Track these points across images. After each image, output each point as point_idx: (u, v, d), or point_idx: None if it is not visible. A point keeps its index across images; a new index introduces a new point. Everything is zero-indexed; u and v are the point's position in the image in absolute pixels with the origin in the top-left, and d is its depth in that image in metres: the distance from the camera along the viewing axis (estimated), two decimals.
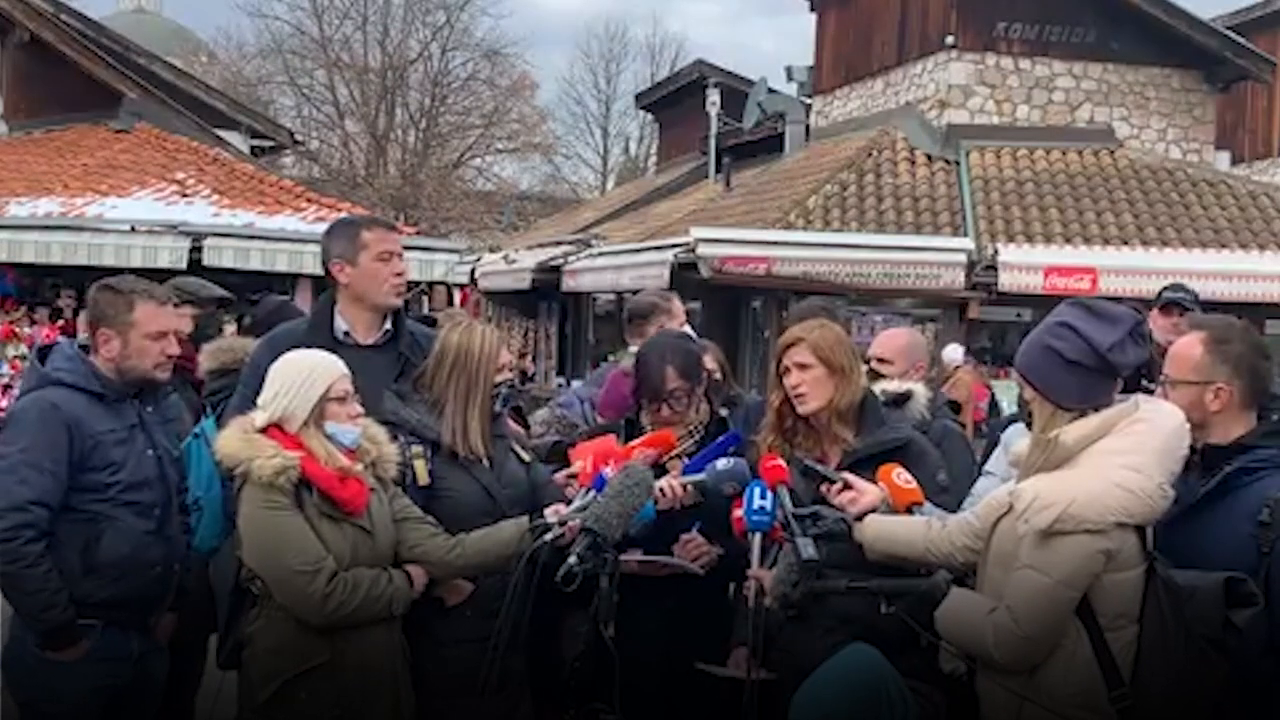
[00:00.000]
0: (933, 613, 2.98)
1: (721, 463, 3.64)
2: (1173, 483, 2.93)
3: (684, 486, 3.67)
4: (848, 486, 3.40)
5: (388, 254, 4.08)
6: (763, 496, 3.36)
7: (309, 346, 3.81)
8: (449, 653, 3.68)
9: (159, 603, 3.95)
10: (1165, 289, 5.88)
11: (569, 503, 3.63)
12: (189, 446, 4.70)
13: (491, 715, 3.64)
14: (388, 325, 4.14)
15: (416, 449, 3.71)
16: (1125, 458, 2.86)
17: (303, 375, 3.52)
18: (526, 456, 3.98)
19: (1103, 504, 2.81)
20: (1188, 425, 2.99)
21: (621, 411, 4.37)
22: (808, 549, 3.09)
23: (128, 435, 3.88)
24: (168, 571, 3.92)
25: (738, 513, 3.46)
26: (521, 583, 3.31)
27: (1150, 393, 3.37)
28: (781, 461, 3.43)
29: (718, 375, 4.64)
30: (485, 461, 3.81)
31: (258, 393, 3.69)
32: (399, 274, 4.10)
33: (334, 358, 3.62)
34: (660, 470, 3.76)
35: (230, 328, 5.62)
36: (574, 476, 3.81)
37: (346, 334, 4.07)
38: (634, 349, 5.15)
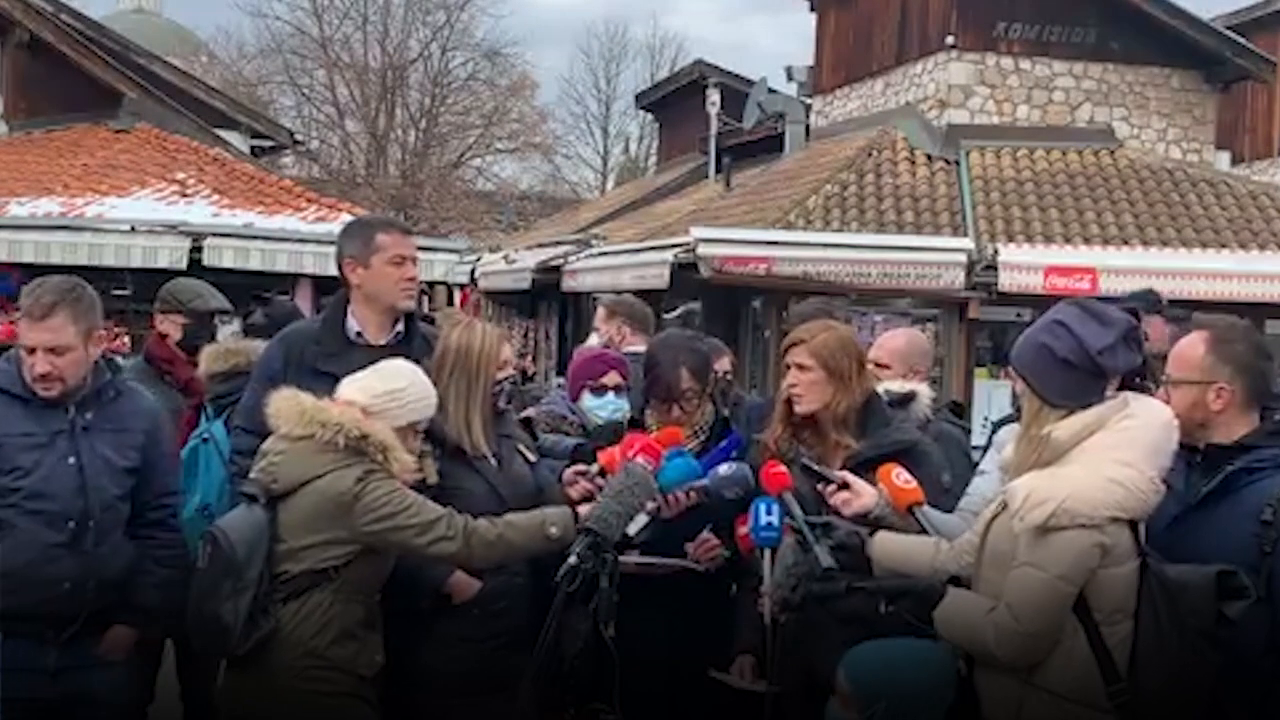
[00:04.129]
0: (931, 613, 2.99)
1: (724, 468, 3.67)
2: (1163, 477, 2.94)
3: (687, 493, 3.67)
4: (844, 486, 3.41)
5: (400, 258, 4.08)
6: (769, 512, 3.35)
7: (321, 345, 3.87)
8: (455, 651, 3.68)
9: (68, 621, 3.71)
10: (1147, 293, 5.79)
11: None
12: (195, 450, 4.70)
13: (495, 714, 3.64)
14: (399, 327, 4.15)
15: (425, 448, 3.72)
16: (1117, 452, 2.87)
17: (419, 394, 3.57)
18: (532, 457, 4.02)
19: (1096, 498, 2.82)
20: (1176, 421, 3.00)
21: (576, 384, 4.56)
22: (826, 558, 3.08)
23: (47, 441, 3.68)
24: (78, 589, 3.68)
25: (743, 530, 3.46)
26: (566, 586, 3.28)
27: (1146, 393, 3.36)
28: (784, 468, 3.42)
29: (729, 376, 4.66)
30: (491, 459, 3.83)
31: (270, 387, 3.73)
32: (410, 278, 4.10)
33: (429, 389, 3.67)
34: None
35: (229, 328, 5.59)
36: (581, 474, 3.82)
37: (359, 334, 4.08)
38: (631, 347, 5.18)
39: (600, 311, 5.84)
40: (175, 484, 4.11)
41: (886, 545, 3.21)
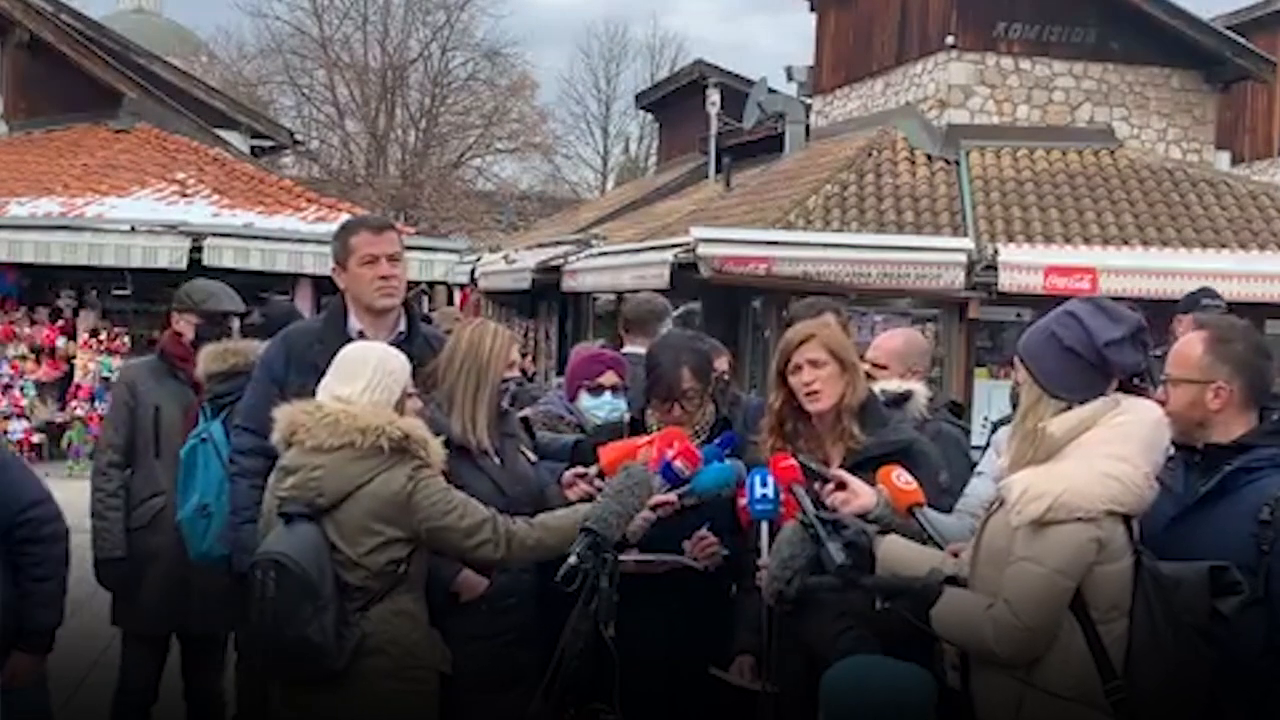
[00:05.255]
0: (928, 610, 2.98)
1: (716, 466, 3.67)
2: (1160, 477, 2.95)
3: (679, 498, 3.67)
4: (842, 486, 3.40)
5: (371, 258, 4.08)
6: (764, 484, 3.36)
7: (324, 344, 3.86)
8: (467, 649, 3.69)
9: None
10: (1201, 294, 5.81)
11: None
12: (194, 450, 4.70)
13: (507, 710, 3.65)
14: (401, 326, 4.15)
15: None
16: (1111, 448, 2.87)
17: (386, 368, 3.55)
18: (533, 458, 4.06)
19: (1093, 492, 2.81)
20: (1169, 420, 3.01)
21: (574, 383, 4.58)
22: (839, 555, 3.07)
23: None
24: None
25: (743, 502, 3.47)
26: (566, 585, 3.28)
27: (1144, 394, 3.37)
28: (794, 461, 3.41)
29: (726, 375, 4.66)
30: (495, 457, 3.86)
31: (272, 387, 3.76)
32: (385, 276, 4.08)
33: (395, 350, 3.68)
34: None
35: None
36: (581, 476, 3.82)
37: (360, 334, 4.09)
38: (631, 348, 5.18)
39: None
40: (35, 491, 3.86)
41: (895, 550, 3.18)
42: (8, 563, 3.73)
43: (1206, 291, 5.89)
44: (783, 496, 3.34)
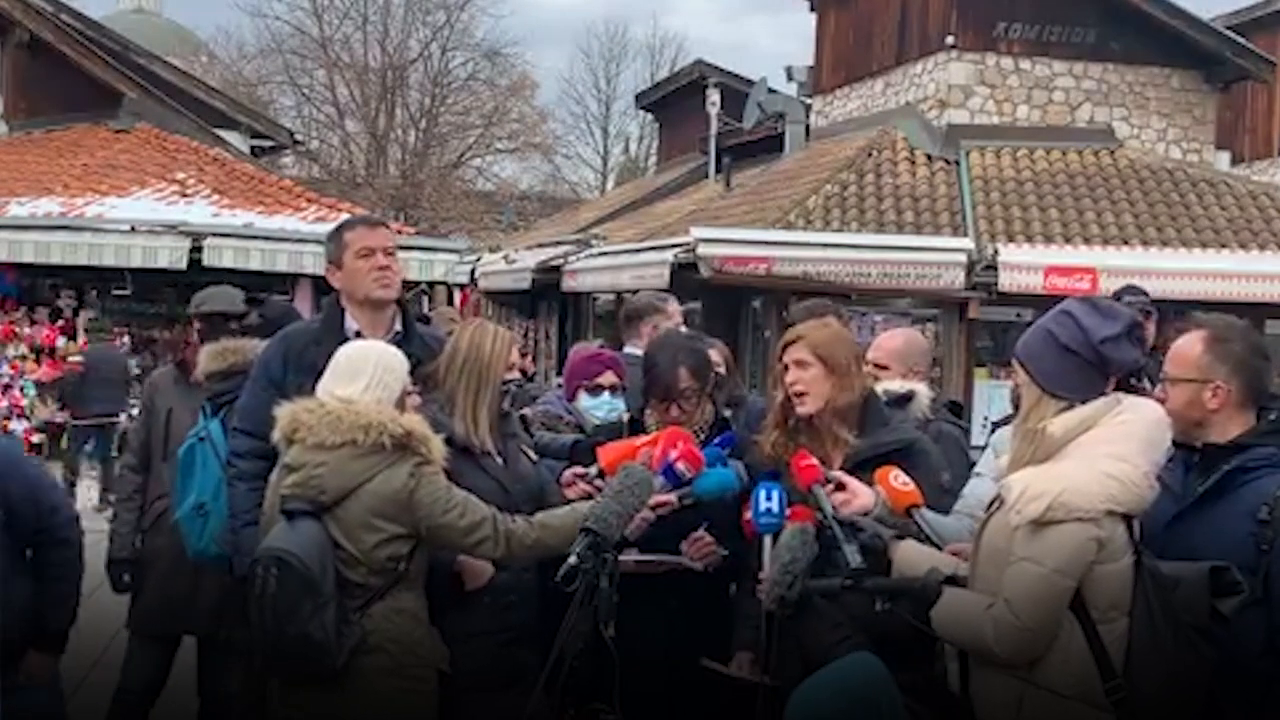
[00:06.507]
0: (928, 611, 2.98)
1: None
2: (1160, 477, 2.94)
3: (679, 499, 3.67)
4: (841, 486, 3.40)
5: (367, 250, 4.08)
6: (768, 498, 3.36)
7: (322, 345, 3.88)
8: (467, 647, 3.69)
9: None
10: (1124, 291, 5.75)
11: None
12: (192, 449, 4.71)
13: (507, 709, 3.65)
14: (398, 326, 4.16)
15: None
16: (1111, 447, 2.87)
17: (386, 366, 3.57)
18: (534, 457, 4.06)
19: (1092, 492, 2.82)
20: (1169, 419, 3.01)
21: (572, 383, 4.60)
22: (855, 557, 3.07)
23: None
24: None
25: (747, 515, 3.47)
26: (566, 585, 3.28)
27: (1142, 393, 3.37)
28: (815, 460, 3.41)
29: (723, 372, 4.65)
30: (497, 458, 3.86)
31: (271, 388, 3.77)
32: (382, 268, 4.09)
33: (394, 348, 3.71)
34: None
35: None
36: (580, 476, 3.82)
37: (358, 334, 4.09)
38: (629, 349, 5.17)
39: None
40: (51, 497, 3.93)
41: (909, 554, 3.18)
42: (28, 565, 3.81)
43: (1129, 289, 5.83)
44: (788, 511, 3.34)
